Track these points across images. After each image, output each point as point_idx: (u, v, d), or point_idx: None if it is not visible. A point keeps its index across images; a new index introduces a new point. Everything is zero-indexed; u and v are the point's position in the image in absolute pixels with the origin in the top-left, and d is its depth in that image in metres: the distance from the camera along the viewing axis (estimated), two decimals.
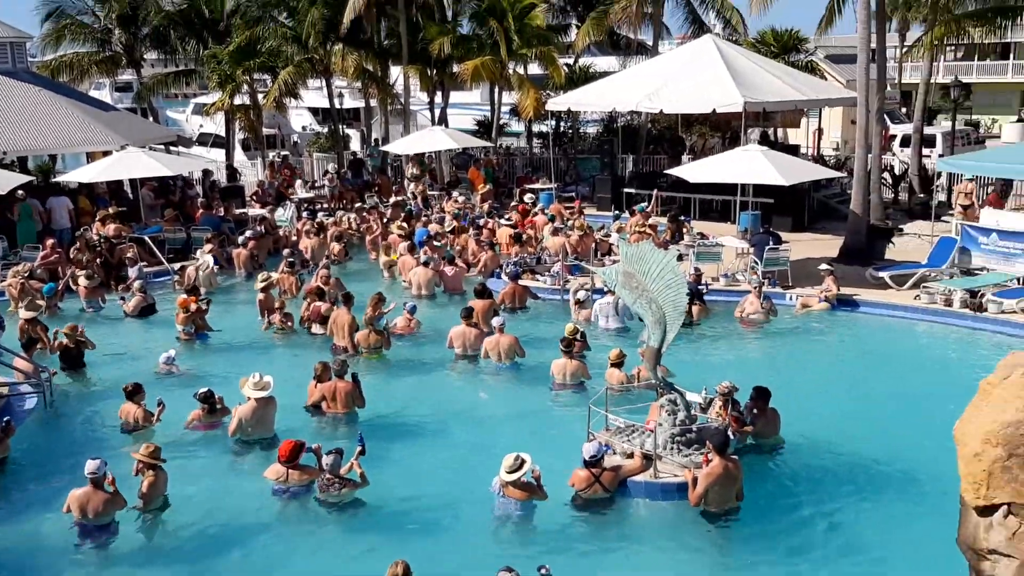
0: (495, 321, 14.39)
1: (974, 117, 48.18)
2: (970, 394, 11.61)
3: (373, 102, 35.14)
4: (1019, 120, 37.26)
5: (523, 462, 9.45)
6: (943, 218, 22.38)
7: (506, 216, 22.68)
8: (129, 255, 20.02)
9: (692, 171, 20.86)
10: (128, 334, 16.43)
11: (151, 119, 34.47)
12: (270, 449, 11.06)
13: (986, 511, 3.90)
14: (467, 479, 10.37)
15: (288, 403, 12.20)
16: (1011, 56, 52.37)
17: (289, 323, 15.94)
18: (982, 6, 21.71)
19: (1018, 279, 17.37)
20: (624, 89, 25.71)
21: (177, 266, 19.90)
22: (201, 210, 23.39)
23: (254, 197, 27.43)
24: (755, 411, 10.97)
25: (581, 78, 32.28)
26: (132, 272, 18.93)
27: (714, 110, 24.22)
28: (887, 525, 9.44)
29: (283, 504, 9.94)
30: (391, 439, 11.60)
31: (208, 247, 19.96)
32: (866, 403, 12.75)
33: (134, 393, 11.90)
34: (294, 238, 22.11)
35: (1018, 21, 21.50)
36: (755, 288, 16.77)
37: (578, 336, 13.86)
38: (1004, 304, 16.10)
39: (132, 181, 24.32)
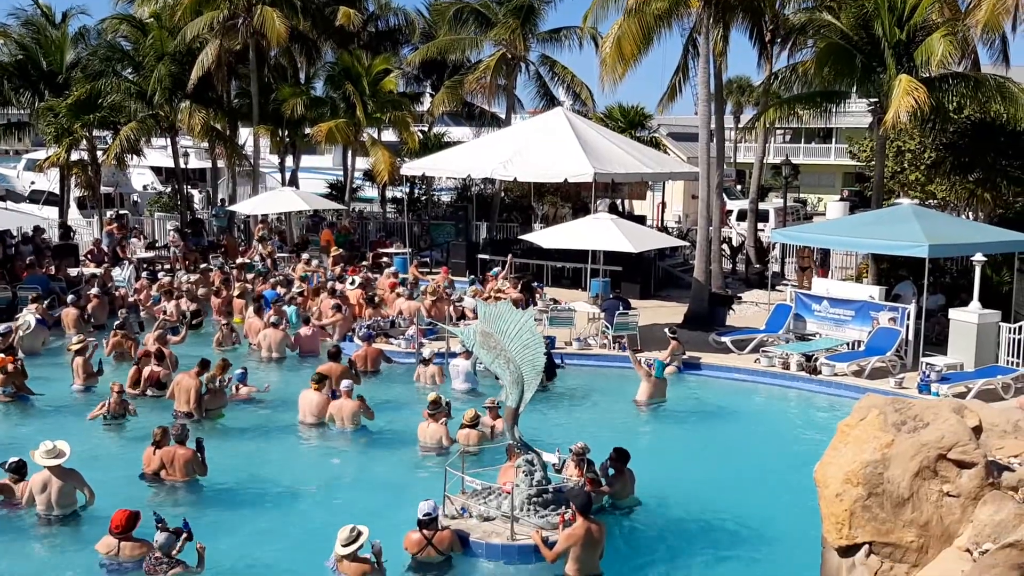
0: (343, 384, 13.97)
1: (802, 195, 51.57)
2: (809, 449, 12.08)
3: (220, 162, 34.24)
4: (841, 199, 40.10)
5: (359, 534, 8.82)
6: (777, 287, 23.61)
7: (349, 280, 22.31)
8: None
9: (545, 237, 21.23)
10: None
11: None
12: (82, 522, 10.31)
13: (847, 551, 3.98)
14: (314, 552, 9.70)
15: (122, 471, 11.42)
16: (833, 140, 56.63)
17: (128, 409, 13.85)
18: (809, 90, 23.40)
19: (848, 344, 18.42)
20: (479, 156, 26.08)
21: (1, 327, 18.45)
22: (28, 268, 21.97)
23: (89, 256, 26.01)
24: (614, 472, 11.00)
25: (435, 145, 32.59)
26: None
27: (566, 179, 24.85)
28: None
29: None
30: (232, 508, 10.98)
31: (33, 306, 18.68)
32: (714, 460, 13.08)
33: None
34: (131, 299, 21.06)
35: (841, 106, 23.21)
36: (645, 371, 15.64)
37: (442, 403, 13.60)
38: (836, 367, 17.01)
39: None
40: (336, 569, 8.93)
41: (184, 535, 9.04)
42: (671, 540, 10.36)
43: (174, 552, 8.93)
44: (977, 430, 4.00)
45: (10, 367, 14.67)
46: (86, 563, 9.36)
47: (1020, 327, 16.81)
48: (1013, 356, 16.74)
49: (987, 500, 3.61)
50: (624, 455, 11.12)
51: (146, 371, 15.07)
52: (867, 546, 3.96)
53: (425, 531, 9.44)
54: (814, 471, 4.07)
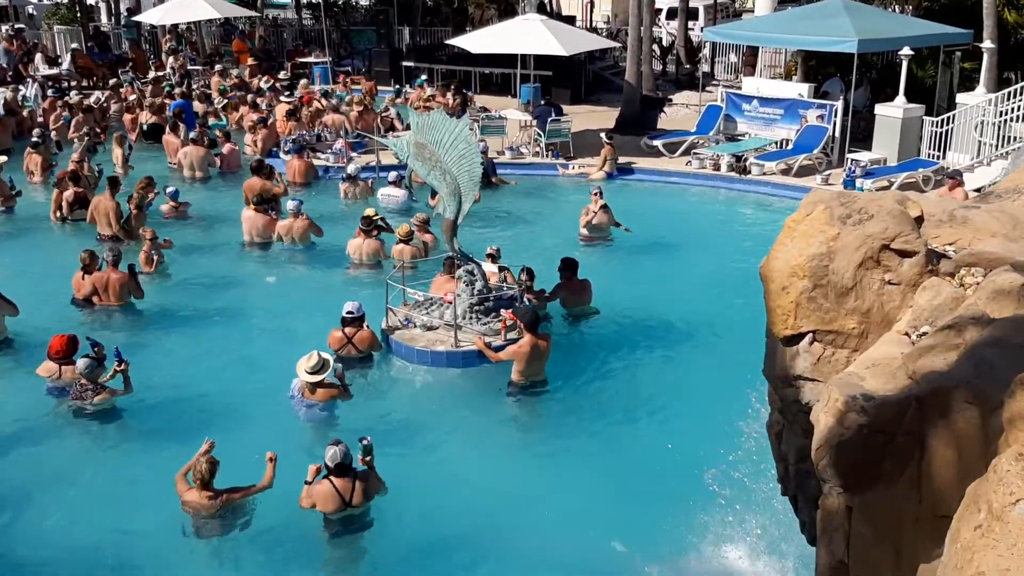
0: (289, 205, 13.61)
1: None
2: (743, 247, 12.39)
3: None
4: None
5: (324, 362, 8.81)
6: (708, 88, 23.48)
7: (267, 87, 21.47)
8: None
9: (474, 41, 20.52)
10: None
11: None
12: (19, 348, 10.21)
13: (792, 340, 4.15)
14: (255, 374, 9.80)
15: (53, 298, 11.24)
16: None
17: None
18: None
19: (777, 142, 18.62)
20: None
21: None
22: None
23: None
24: (560, 281, 11.14)
25: None
26: None
27: None
28: (691, 373, 9.83)
29: (56, 403, 9.14)
30: (168, 332, 10.83)
31: None
32: (653, 263, 13.29)
33: None
34: (40, 119, 20.04)
35: None
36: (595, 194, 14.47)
37: (379, 218, 13.52)
38: (765, 166, 17.27)
39: None
40: (303, 397, 8.88)
41: (115, 363, 8.90)
42: (620, 344, 10.49)
43: (102, 379, 8.88)
44: (919, 220, 4.12)
45: None
46: (30, 385, 9.32)
47: (942, 120, 17.13)
48: (934, 149, 17.15)
49: (926, 286, 3.75)
50: (569, 263, 11.21)
51: (67, 194, 14.53)
52: (811, 334, 4.13)
53: (347, 329, 9.69)
54: (760, 266, 4.19)
